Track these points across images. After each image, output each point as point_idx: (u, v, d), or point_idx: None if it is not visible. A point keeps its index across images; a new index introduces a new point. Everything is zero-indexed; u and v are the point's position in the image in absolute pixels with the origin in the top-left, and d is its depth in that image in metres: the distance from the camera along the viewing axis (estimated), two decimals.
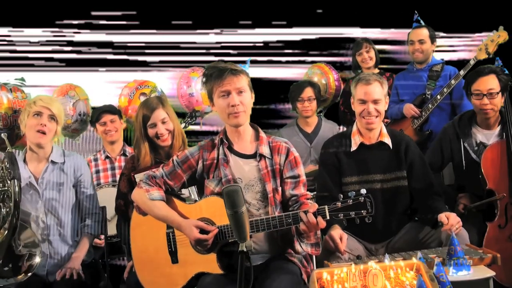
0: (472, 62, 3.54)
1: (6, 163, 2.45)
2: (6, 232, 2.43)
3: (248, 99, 2.27)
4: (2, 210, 2.45)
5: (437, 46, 3.95)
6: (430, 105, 3.71)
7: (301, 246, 2.23)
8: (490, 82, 2.98)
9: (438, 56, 4.00)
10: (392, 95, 4.05)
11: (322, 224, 2.10)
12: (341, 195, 2.13)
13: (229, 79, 2.23)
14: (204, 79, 2.32)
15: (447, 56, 4.30)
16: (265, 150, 2.31)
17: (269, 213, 2.25)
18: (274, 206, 2.27)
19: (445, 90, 3.61)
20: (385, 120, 3.99)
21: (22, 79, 3.29)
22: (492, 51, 3.49)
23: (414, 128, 3.81)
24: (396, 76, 4.07)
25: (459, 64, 3.81)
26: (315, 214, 2.10)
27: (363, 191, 2.11)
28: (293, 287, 2.12)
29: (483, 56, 3.53)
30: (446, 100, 3.69)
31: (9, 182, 2.43)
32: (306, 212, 2.10)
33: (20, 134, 2.99)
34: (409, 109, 3.80)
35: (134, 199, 2.37)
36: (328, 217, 2.11)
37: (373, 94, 2.65)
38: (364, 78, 2.69)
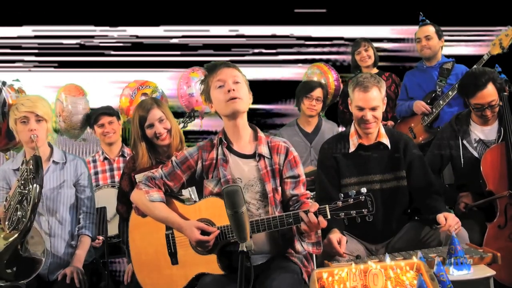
0: (485, 58, 3.54)
1: (32, 165, 2.44)
2: (17, 234, 2.42)
3: (244, 91, 2.27)
4: (18, 212, 2.45)
5: (451, 41, 3.97)
6: (441, 102, 3.72)
7: (301, 246, 2.23)
8: (490, 94, 2.94)
9: (450, 51, 4.02)
10: (401, 93, 4.07)
11: (323, 223, 2.10)
12: (342, 194, 2.13)
13: (224, 69, 2.25)
14: (201, 80, 2.35)
15: (460, 51, 4.33)
16: (264, 150, 2.31)
17: (269, 213, 2.25)
18: (274, 206, 2.26)
19: (456, 86, 3.60)
20: (389, 123, 4.00)
21: (17, 80, 3.30)
22: (506, 45, 3.48)
23: (424, 125, 3.82)
24: (405, 75, 4.09)
25: (469, 60, 3.82)
26: (316, 214, 2.09)
27: (364, 190, 2.11)
28: (293, 287, 2.13)
29: (497, 51, 3.52)
30: (458, 98, 3.69)
31: (30, 185, 2.42)
32: (306, 212, 2.10)
33: None
34: (420, 106, 3.81)
35: (134, 200, 2.37)
36: (329, 216, 2.11)
37: (371, 101, 2.63)
38: (362, 84, 2.64)
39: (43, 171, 2.49)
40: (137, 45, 5.01)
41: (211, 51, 4.95)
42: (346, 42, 4.77)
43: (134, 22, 4.96)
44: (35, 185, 2.40)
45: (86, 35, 5.01)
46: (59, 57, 4.89)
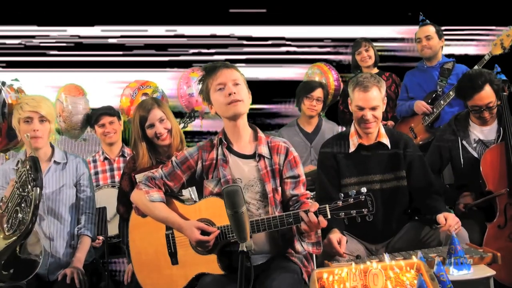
0: (487, 58, 3.54)
1: (29, 166, 2.42)
2: (17, 237, 2.41)
3: (244, 92, 2.27)
4: (19, 214, 2.44)
5: (452, 41, 3.97)
6: (442, 102, 3.71)
7: (301, 246, 2.23)
8: (487, 96, 2.95)
9: (451, 51, 4.02)
10: (401, 93, 4.07)
11: (323, 223, 2.10)
12: (342, 194, 2.13)
13: (223, 71, 2.25)
14: (199, 80, 2.35)
15: (461, 51, 4.32)
16: (264, 150, 2.31)
17: (269, 213, 2.25)
18: (274, 206, 2.26)
19: None
20: (389, 123, 4.00)
21: (16, 80, 3.30)
22: (507, 45, 3.48)
23: (425, 125, 3.82)
24: (405, 75, 4.09)
25: (469, 59, 3.81)
26: (316, 214, 2.09)
27: (364, 189, 2.11)
28: (293, 287, 2.13)
29: (499, 51, 3.52)
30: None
31: (30, 187, 2.40)
32: (307, 212, 2.10)
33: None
34: (421, 106, 3.81)
35: (134, 200, 2.37)
36: (329, 216, 2.11)
37: (371, 101, 2.63)
38: (362, 84, 2.65)
39: (42, 172, 2.47)
40: (79, 45, 4.96)
41: (153, 51, 4.91)
42: (288, 42, 4.76)
43: (72, 22, 4.89)
44: (35, 187, 2.38)
45: (27, 35, 4.95)
46: (5, 57, 4.81)
